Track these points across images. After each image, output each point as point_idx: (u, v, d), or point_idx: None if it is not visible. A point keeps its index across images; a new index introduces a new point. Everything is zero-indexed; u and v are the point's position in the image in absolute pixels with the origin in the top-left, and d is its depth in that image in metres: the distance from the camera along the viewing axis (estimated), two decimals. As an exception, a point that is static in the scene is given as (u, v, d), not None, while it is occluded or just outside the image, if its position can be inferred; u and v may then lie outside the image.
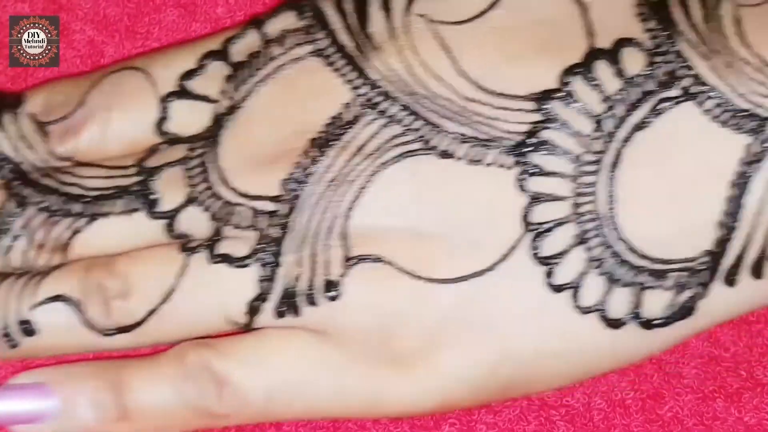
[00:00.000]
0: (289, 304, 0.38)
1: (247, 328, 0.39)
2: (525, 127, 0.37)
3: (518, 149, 0.37)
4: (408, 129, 0.37)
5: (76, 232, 0.39)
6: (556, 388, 0.39)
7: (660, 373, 0.40)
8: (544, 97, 0.37)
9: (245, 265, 0.38)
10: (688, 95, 0.36)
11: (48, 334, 0.39)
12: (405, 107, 0.37)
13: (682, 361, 0.41)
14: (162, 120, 0.40)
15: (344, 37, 0.38)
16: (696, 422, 0.40)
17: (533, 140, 0.37)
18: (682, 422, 0.40)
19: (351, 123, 0.38)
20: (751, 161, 0.36)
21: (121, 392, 0.39)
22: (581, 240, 0.37)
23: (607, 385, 0.41)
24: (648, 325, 0.37)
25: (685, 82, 0.36)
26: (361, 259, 0.37)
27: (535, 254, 0.37)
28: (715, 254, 0.36)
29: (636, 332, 0.37)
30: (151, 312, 0.38)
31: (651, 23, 0.37)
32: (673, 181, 0.36)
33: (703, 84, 0.36)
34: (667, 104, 0.36)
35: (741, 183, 0.36)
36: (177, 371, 0.39)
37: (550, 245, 0.37)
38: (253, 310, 0.38)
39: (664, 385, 0.40)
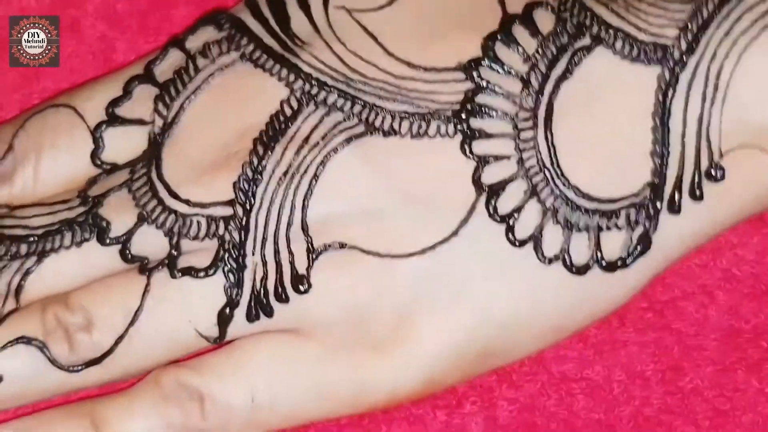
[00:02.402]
0: (260, 306, 0.37)
1: (221, 343, 0.38)
2: (459, 96, 0.38)
3: (457, 117, 0.38)
4: (349, 114, 0.38)
5: (27, 273, 0.38)
6: (535, 350, 0.39)
7: (680, 346, 0.41)
8: (471, 65, 0.38)
9: (211, 275, 0.37)
10: (598, 40, 0.38)
11: (13, 380, 0.37)
12: (342, 94, 0.38)
13: (702, 333, 0.41)
14: (96, 150, 0.39)
15: (269, 40, 0.39)
16: (716, 394, 0.40)
17: (469, 107, 0.38)
18: (702, 394, 0.40)
19: (292, 117, 0.38)
20: (666, 88, 0.38)
21: (99, 429, 0.37)
22: (533, 193, 0.38)
23: (627, 358, 0.40)
24: (611, 266, 0.38)
25: (593, 30, 0.38)
26: (325, 248, 0.37)
27: (493, 213, 0.38)
28: (656, 185, 0.38)
29: (600, 277, 0.38)
30: (120, 339, 0.37)
31: None
32: (601, 123, 0.38)
33: (609, 28, 0.38)
34: (582, 53, 0.38)
35: (661, 111, 0.38)
36: (155, 396, 0.37)
37: (505, 203, 0.38)
38: (223, 319, 0.37)
39: (685, 357, 0.40)
